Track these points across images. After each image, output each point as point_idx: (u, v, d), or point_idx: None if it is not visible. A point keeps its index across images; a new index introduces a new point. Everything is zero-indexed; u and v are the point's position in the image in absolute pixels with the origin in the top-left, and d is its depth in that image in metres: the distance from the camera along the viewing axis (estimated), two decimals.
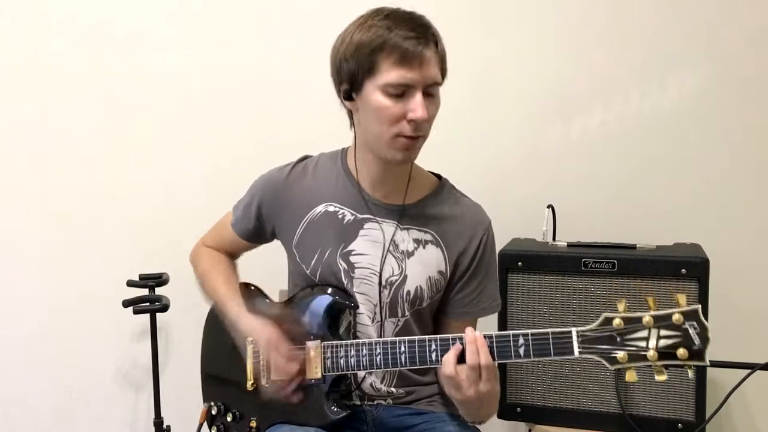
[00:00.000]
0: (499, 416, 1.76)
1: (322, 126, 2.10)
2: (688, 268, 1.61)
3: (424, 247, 1.48)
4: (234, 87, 2.22)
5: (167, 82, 2.25)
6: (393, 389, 1.50)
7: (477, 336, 1.26)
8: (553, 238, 1.88)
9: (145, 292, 2.08)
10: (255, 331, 1.46)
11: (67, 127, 2.29)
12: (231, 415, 1.55)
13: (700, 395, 1.65)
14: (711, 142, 2.00)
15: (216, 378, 1.61)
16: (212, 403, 1.60)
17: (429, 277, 1.47)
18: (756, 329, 1.99)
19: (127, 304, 2.05)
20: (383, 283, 1.46)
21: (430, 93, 1.35)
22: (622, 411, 1.65)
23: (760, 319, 2.00)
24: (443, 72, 1.38)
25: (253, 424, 1.51)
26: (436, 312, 1.54)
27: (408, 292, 1.46)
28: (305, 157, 1.58)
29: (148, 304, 2.05)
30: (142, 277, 2.09)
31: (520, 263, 1.72)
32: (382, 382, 1.49)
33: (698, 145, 2.01)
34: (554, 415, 1.73)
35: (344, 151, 1.54)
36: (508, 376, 1.75)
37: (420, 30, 1.32)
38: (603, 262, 1.67)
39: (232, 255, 1.68)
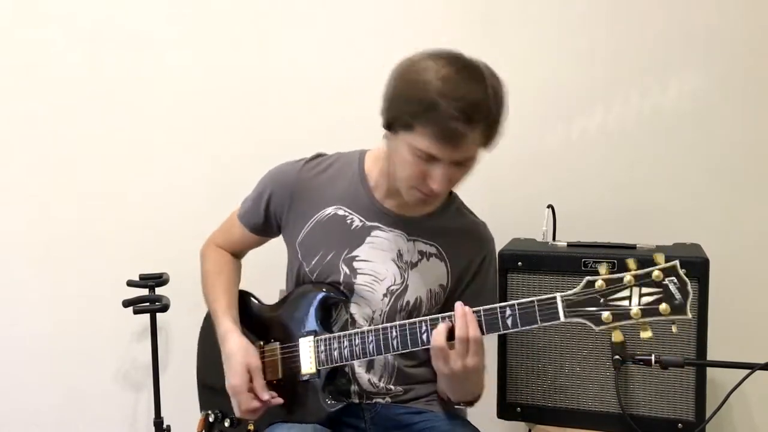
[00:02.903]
0: (499, 416, 1.76)
1: (323, 126, 2.11)
2: (688, 268, 1.60)
3: (428, 260, 1.48)
4: (234, 87, 2.22)
5: (167, 82, 2.25)
6: (391, 386, 1.50)
7: (467, 310, 1.27)
8: (553, 238, 1.88)
9: (145, 292, 2.08)
10: (231, 362, 1.44)
11: (66, 127, 2.29)
12: (229, 420, 1.55)
13: (700, 395, 1.64)
14: (711, 142, 2.00)
15: (212, 385, 1.61)
16: (209, 411, 1.60)
17: (430, 289, 1.48)
18: (756, 329, 1.99)
19: (127, 304, 2.05)
20: (384, 291, 1.46)
21: (462, 163, 1.32)
22: (622, 411, 1.65)
23: (760, 319, 2.00)
24: (491, 140, 1.32)
25: (251, 427, 1.51)
26: None
27: (407, 302, 1.47)
28: (319, 155, 1.56)
29: (148, 304, 2.05)
30: (142, 277, 2.09)
31: (520, 263, 1.72)
32: (380, 379, 1.49)
33: (698, 146, 2.01)
34: (554, 415, 1.73)
35: (362, 155, 1.53)
36: (508, 376, 1.75)
37: (471, 110, 1.24)
38: (603, 262, 1.66)
39: (240, 252, 1.67)
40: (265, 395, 1.41)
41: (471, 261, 1.51)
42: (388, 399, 1.51)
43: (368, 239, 1.48)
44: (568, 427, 1.72)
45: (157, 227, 2.27)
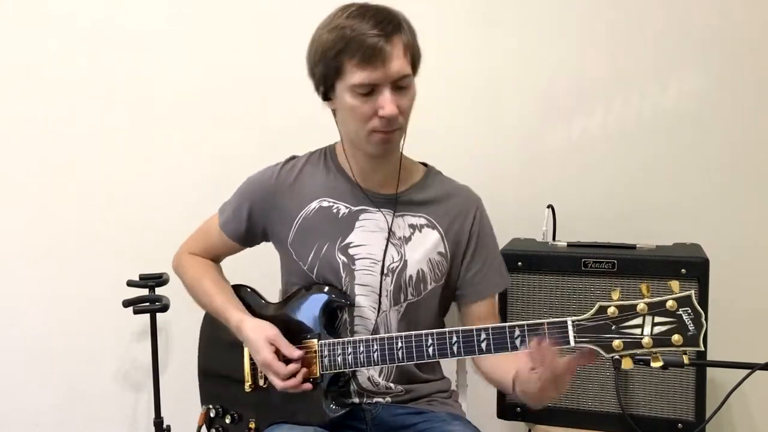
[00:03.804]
0: (499, 416, 1.76)
1: (323, 125, 2.11)
2: (688, 268, 1.61)
3: (420, 231, 1.49)
4: (234, 87, 2.22)
5: (167, 82, 2.25)
6: (391, 384, 1.49)
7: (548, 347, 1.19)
8: (553, 238, 1.88)
9: (145, 292, 2.08)
10: (252, 344, 1.43)
11: (66, 127, 2.29)
12: (230, 416, 1.55)
13: (700, 395, 1.65)
14: (711, 142, 2.00)
15: (214, 380, 1.61)
16: (210, 406, 1.60)
17: (430, 259, 1.48)
18: (756, 329, 1.99)
19: (127, 304, 2.05)
20: (385, 271, 1.47)
21: (400, 86, 1.35)
22: (622, 411, 1.65)
23: (760, 319, 1.99)
24: (414, 60, 1.38)
25: (252, 425, 1.51)
26: (455, 298, 1.56)
27: (410, 277, 1.47)
28: (293, 157, 1.58)
29: (148, 304, 2.05)
30: (142, 277, 2.09)
31: (520, 263, 1.72)
32: (380, 376, 1.49)
33: (698, 145, 2.01)
34: (554, 415, 1.73)
35: (332, 147, 1.56)
36: None
37: (381, 25, 1.32)
38: (603, 262, 1.67)
39: (217, 258, 1.66)
40: (295, 353, 1.40)
41: (462, 223, 1.51)
42: (388, 399, 1.50)
43: (357, 224, 1.48)
44: (568, 427, 1.72)
45: (157, 227, 2.27)
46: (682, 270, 1.61)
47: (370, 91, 1.34)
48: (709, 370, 1.68)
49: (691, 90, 1.99)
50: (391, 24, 1.33)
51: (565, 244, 1.79)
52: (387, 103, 1.33)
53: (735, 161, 2.00)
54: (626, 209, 2.05)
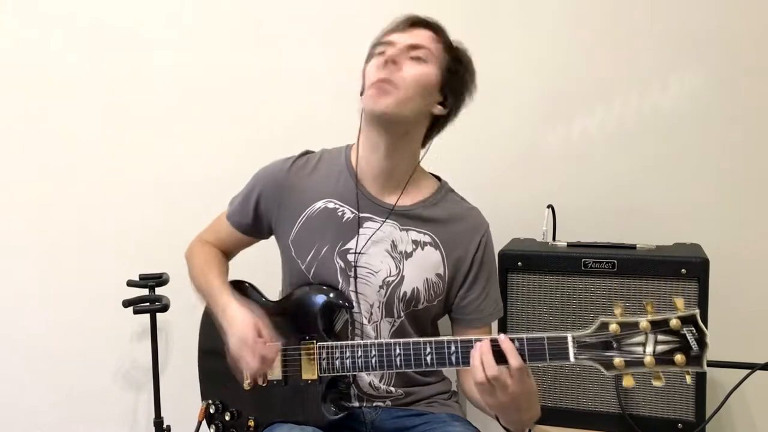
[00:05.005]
0: None
1: (321, 126, 2.11)
2: (688, 268, 1.61)
3: (422, 249, 1.48)
4: (233, 87, 2.22)
5: (167, 82, 2.25)
6: (392, 388, 1.49)
7: (483, 350, 1.21)
8: (553, 238, 1.88)
9: (145, 292, 2.08)
10: (236, 322, 1.40)
11: (66, 128, 2.29)
12: (229, 413, 1.55)
13: (700, 395, 1.64)
14: (711, 142, 2.00)
15: (214, 376, 1.61)
16: (210, 402, 1.60)
17: (426, 279, 1.47)
18: (756, 329, 1.99)
19: (127, 304, 2.05)
20: (381, 283, 1.46)
21: (413, 56, 1.41)
22: (622, 411, 1.65)
23: (760, 319, 1.99)
24: (446, 49, 1.48)
25: (251, 422, 1.51)
26: (451, 321, 1.55)
27: (404, 293, 1.46)
28: (307, 152, 1.57)
29: (148, 304, 2.05)
30: (142, 277, 2.09)
31: (520, 263, 1.72)
32: (381, 381, 1.49)
33: (698, 145, 2.01)
34: (554, 415, 1.73)
35: (348, 148, 1.53)
36: None
37: (426, 20, 1.46)
38: (603, 262, 1.67)
39: (229, 252, 1.67)
40: (279, 342, 1.38)
41: (467, 249, 1.50)
42: (388, 402, 1.50)
43: (361, 231, 1.47)
44: (568, 427, 1.72)
45: (157, 227, 2.27)
46: (682, 270, 1.61)
47: (384, 51, 1.40)
48: (709, 370, 1.67)
49: (691, 90, 1.99)
50: (423, 19, 1.46)
51: (565, 244, 1.79)
52: (393, 44, 1.42)
53: (735, 161, 2.00)
54: (626, 209, 2.04)
